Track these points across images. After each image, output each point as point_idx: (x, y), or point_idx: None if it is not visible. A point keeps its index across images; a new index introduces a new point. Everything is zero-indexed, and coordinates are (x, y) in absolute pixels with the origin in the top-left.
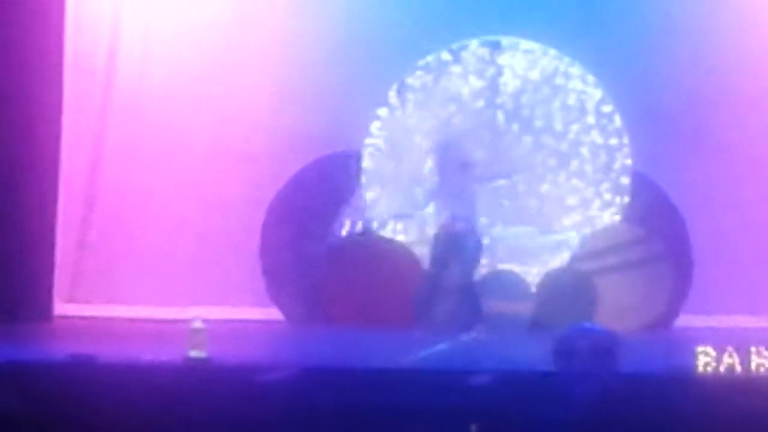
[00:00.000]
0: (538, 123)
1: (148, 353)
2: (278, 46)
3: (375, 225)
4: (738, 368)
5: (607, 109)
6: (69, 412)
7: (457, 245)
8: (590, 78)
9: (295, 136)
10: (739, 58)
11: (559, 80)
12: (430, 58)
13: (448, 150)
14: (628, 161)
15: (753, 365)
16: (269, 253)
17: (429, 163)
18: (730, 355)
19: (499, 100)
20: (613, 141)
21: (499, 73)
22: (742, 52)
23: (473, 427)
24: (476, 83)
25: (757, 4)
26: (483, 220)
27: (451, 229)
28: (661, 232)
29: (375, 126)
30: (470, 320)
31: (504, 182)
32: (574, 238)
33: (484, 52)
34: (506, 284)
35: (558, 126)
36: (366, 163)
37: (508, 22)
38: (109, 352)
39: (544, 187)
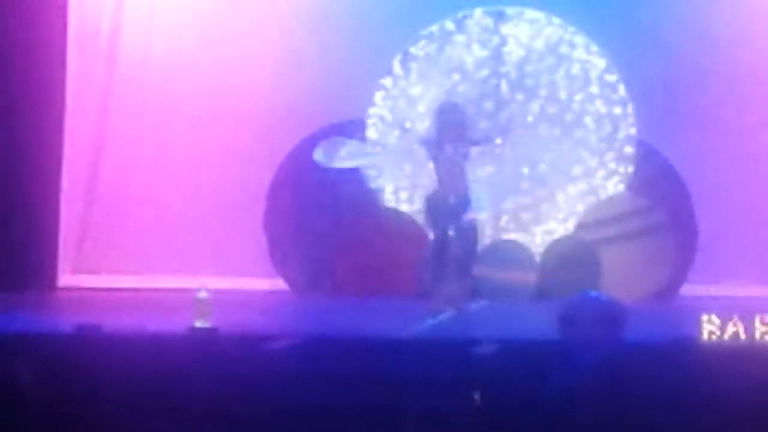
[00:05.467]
0: (543, 92)
1: (153, 323)
2: (282, 16)
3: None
4: (742, 336)
5: (611, 78)
6: (74, 383)
7: (453, 218)
8: (594, 47)
9: (299, 106)
10: (744, 27)
11: (563, 49)
12: (433, 28)
13: (446, 114)
14: (633, 130)
15: (757, 334)
16: (274, 223)
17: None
18: (735, 324)
19: (503, 70)
20: (618, 110)
21: (503, 42)
22: (747, 21)
23: (477, 396)
24: (480, 53)
25: None
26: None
27: (443, 202)
28: (665, 201)
29: (379, 96)
30: (472, 290)
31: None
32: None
33: (488, 21)
34: (510, 254)
35: (562, 95)
36: (370, 132)
37: None
38: (114, 322)
39: (549, 157)
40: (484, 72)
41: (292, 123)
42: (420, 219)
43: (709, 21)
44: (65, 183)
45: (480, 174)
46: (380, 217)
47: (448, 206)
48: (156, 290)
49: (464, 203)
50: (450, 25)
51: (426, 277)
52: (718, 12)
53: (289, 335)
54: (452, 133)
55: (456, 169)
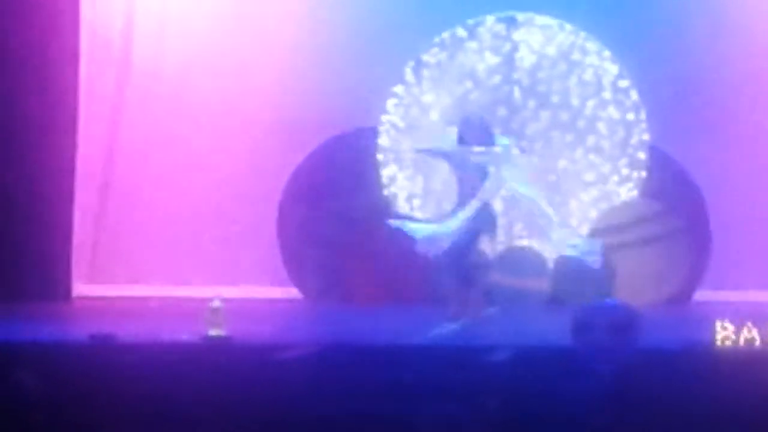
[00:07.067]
0: (555, 99)
1: (167, 332)
2: (294, 23)
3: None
4: (757, 342)
5: (623, 84)
6: (89, 393)
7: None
8: (607, 53)
9: (311, 114)
10: (758, 32)
11: (575, 55)
12: (445, 35)
13: (472, 124)
14: (646, 136)
15: None
16: (287, 231)
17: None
18: (749, 330)
19: (515, 76)
20: (630, 116)
21: (515, 48)
22: (761, 25)
23: (491, 403)
24: (492, 59)
25: None
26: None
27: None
28: (678, 207)
29: (391, 103)
30: (479, 298)
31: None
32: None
33: (499, 27)
34: (523, 260)
35: (575, 101)
36: (382, 140)
37: None
38: (128, 331)
39: (562, 163)
40: (497, 79)
41: (304, 131)
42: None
43: (722, 26)
44: (78, 193)
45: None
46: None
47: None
48: (170, 299)
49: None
50: (462, 32)
51: (439, 285)
52: (731, 16)
53: (303, 343)
54: (470, 144)
55: (471, 180)
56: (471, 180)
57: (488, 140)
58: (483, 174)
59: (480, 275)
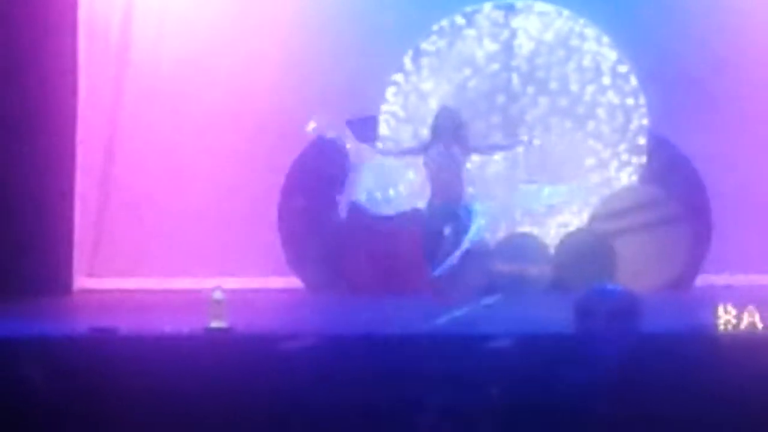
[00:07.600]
0: (554, 85)
1: (169, 325)
2: (293, 15)
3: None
4: (759, 326)
5: (622, 69)
6: (91, 386)
7: (448, 215)
8: (605, 38)
9: (311, 104)
10: (756, 16)
11: (574, 41)
12: (444, 23)
13: (443, 116)
14: (645, 121)
15: None
16: (288, 222)
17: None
18: (751, 314)
19: (514, 63)
20: (630, 101)
21: (514, 35)
22: (759, 10)
23: (494, 391)
24: (491, 46)
25: None
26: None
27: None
28: (678, 192)
29: (391, 92)
30: (480, 285)
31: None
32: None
33: (498, 14)
34: (525, 247)
35: (574, 87)
36: (382, 129)
37: None
38: (129, 324)
39: (561, 149)
40: (495, 66)
41: (304, 121)
42: None
43: (722, 10)
44: (79, 187)
45: (493, 167)
46: (393, 214)
47: (437, 210)
48: (171, 291)
49: (455, 207)
50: (460, 20)
51: (441, 273)
52: (731, 1)
53: (305, 334)
54: (442, 138)
55: (444, 173)
56: (442, 174)
57: (457, 135)
58: (454, 168)
59: (481, 263)
